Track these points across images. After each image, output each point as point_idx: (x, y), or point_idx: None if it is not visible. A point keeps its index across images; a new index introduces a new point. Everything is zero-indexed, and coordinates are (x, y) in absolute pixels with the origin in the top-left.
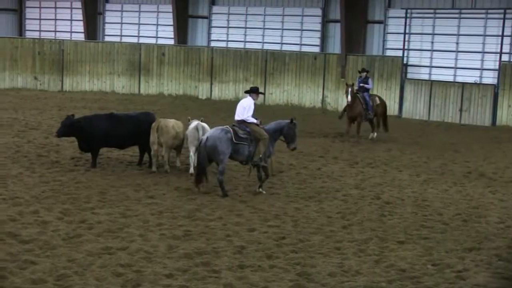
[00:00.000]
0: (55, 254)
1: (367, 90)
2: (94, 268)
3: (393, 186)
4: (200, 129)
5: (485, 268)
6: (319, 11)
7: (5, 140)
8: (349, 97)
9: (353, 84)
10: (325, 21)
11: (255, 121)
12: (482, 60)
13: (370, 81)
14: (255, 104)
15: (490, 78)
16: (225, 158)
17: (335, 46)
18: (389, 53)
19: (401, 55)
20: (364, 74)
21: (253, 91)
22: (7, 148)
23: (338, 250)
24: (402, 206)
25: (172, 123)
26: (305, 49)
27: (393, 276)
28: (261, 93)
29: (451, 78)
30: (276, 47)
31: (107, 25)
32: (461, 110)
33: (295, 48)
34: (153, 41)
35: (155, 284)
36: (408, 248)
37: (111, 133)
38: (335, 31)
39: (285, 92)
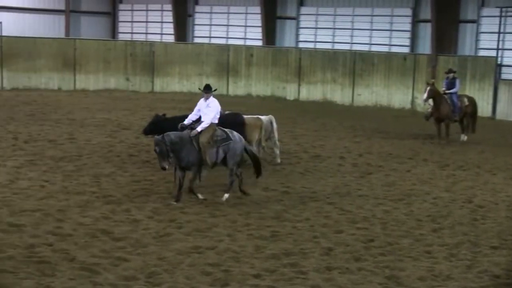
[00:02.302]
0: (146, 252)
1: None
2: (184, 267)
3: (486, 190)
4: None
5: None
6: (409, 11)
7: (99, 140)
8: (425, 95)
9: (433, 83)
10: (415, 21)
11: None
12: None
13: (457, 82)
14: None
15: None
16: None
17: (425, 46)
18: (482, 53)
19: (494, 55)
20: (451, 75)
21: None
22: (100, 148)
23: (428, 254)
24: (495, 210)
25: None
26: (394, 49)
27: (486, 282)
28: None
29: None
30: (365, 48)
31: (196, 27)
32: None
33: (384, 49)
34: (241, 42)
35: (243, 284)
36: (502, 254)
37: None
38: (426, 31)
39: (373, 93)
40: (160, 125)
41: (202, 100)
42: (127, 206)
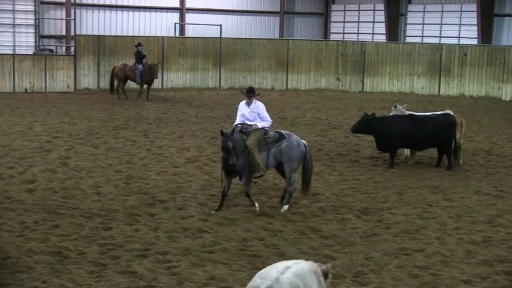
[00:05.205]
0: (353, 251)
1: None
2: (391, 268)
3: None
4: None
5: None
6: None
7: (309, 138)
8: None
9: None
10: None
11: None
12: None
13: None
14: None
15: None
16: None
17: None
18: None
19: None
20: None
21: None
22: (310, 146)
23: None
24: None
25: None
26: None
27: None
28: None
29: None
30: None
31: (408, 26)
32: None
33: None
34: (455, 41)
35: None
36: None
37: (409, 134)
38: None
39: None
40: (369, 124)
41: (243, 104)
42: (336, 204)
